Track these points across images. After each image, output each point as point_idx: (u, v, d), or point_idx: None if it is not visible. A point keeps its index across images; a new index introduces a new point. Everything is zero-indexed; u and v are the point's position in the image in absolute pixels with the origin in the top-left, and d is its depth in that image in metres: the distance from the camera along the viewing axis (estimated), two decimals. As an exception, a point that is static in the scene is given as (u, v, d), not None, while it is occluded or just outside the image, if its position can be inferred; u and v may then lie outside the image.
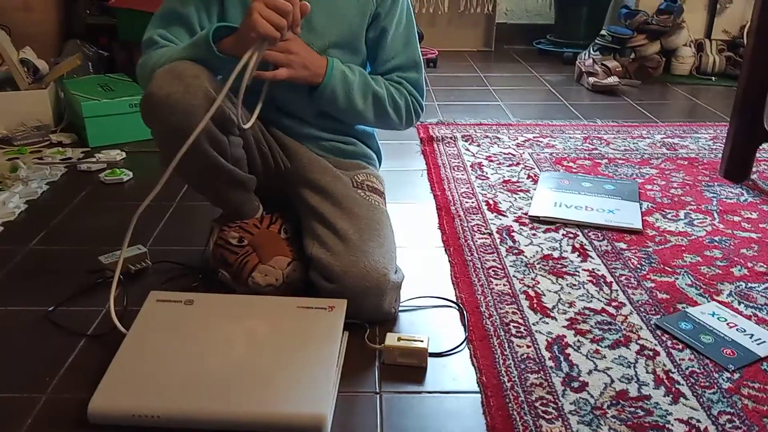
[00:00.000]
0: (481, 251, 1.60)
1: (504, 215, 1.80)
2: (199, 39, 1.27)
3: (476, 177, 2.06)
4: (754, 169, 2.08)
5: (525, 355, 1.23)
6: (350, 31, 1.44)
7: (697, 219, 1.79)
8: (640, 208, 1.84)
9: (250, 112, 1.34)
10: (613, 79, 3.14)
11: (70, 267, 1.53)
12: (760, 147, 2.06)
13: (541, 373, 1.18)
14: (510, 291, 1.44)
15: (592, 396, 1.13)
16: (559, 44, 3.85)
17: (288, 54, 1.33)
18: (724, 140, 2.13)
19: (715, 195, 1.95)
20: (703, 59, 3.45)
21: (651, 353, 1.24)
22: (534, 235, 1.69)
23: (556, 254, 1.59)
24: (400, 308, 1.37)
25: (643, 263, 1.56)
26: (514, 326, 1.32)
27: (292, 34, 1.29)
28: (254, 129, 1.43)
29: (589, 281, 1.48)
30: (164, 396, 1.07)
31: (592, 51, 3.35)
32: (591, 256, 1.58)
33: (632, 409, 1.10)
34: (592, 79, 3.16)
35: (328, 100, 1.41)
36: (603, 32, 3.41)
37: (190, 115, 1.22)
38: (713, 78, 3.40)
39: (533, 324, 1.33)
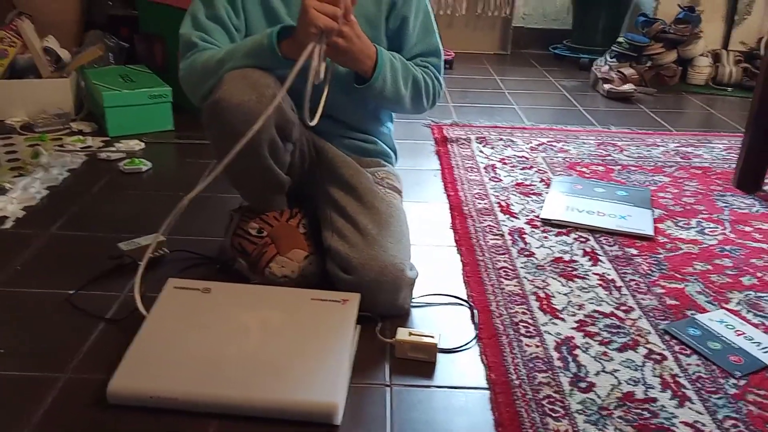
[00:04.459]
0: (492, 252, 1.62)
1: (516, 217, 1.81)
2: (261, 45, 1.29)
3: (489, 179, 2.08)
4: (766, 180, 2.09)
5: (534, 355, 1.25)
6: (367, 23, 1.43)
7: (709, 228, 1.80)
8: (652, 215, 1.85)
9: (298, 113, 1.35)
10: (628, 87, 3.14)
11: (90, 252, 1.55)
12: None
13: (549, 372, 1.20)
14: (520, 291, 1.46)
15: (599, 396, 1.15)
16: (575, 50, 3.85)
17: (350, 40, 1.32)
18: (738, 151, 2.14)
19: (727, 205, 1.96)
20: (719, 70, 3.45)
21: (659, 357, 1.26)
22: (545, 237, 1.71)
23: (567, 257, 1.61)
24: (412, 304, 1.40)
25: (654, 269, 1.57)
26: (523, 326, 1.34)
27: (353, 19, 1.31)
28: (302, 129, 1.44)
29: (599, 285, 1.50)
30: (181, 379, 1.09)
31: (608, 58, 3.36)
32: (601, 261, 1.60)
33: (638, 411, 1.12)
34: (607, 86, 3.16)
35: (378, 89, 1.39)
36: (620, 39, 3.42)
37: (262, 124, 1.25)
38: (729, 89, 3.40)
39: (542, 324, 1.35)
